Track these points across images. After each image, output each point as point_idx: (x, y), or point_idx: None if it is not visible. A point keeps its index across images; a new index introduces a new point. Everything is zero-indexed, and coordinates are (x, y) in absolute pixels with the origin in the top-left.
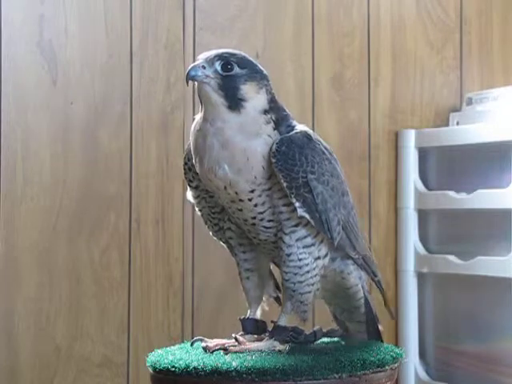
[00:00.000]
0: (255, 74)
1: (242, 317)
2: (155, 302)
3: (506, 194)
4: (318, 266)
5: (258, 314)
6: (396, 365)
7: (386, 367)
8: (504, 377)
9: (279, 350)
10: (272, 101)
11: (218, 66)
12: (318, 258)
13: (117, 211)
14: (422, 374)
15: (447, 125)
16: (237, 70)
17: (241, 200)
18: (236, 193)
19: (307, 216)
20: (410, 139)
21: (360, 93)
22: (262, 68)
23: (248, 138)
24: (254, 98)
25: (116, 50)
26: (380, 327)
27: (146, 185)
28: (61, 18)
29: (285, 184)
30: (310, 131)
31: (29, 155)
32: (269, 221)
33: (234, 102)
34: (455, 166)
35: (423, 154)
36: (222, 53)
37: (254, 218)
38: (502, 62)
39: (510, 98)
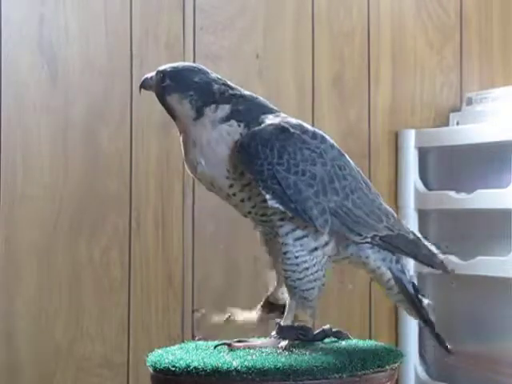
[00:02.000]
0: (181, 86)
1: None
2: (155, 302)
3: (506, 194)
4: (317, 257)
5: (285, 298)
6: (396, 365)
7: (386, 367)
8: (504, 377)
9: (281, 347)
10: (204, 106)
11: (158, 78)
12: (315, 248)
13: (117, 211)
14: (422, 374)
15: (447, 125)
16: (167, 82)
17: (229, 195)
18: (220, 188)
19: (280, 207)
20: (410, 139)
21: (360, 93)
22: (198, 80)
23: (207, 131)
24: (178, 108)
25: (116, 50)
26: (426, 302)
27: (146, 185)
28: (61, 18)
29: (251, 177)
30: (291, 122)
31: (29, 155)
32: (262, 215)
33: (169, 111)
34: (455, 166)
35: (423, 153)
36: (164, 66)
37: (250, 212)
38: (501, 62)
39: (510, 98)
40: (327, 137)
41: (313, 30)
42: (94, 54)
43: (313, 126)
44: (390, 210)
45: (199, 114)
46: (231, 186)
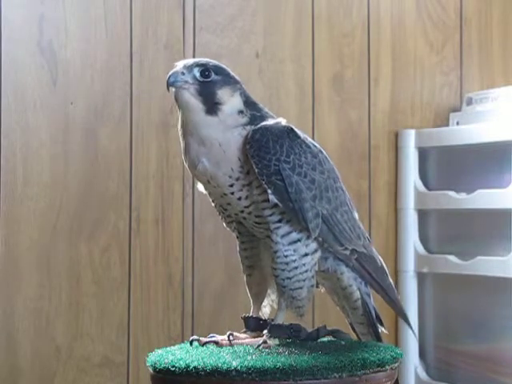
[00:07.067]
0: (229, 79)
1: (244, 315)
2: (155, 302)
3: (506, 194)
4: (306, 262)
5: (266, 312)
6: (396, 365)
7: (386, 367)
8: (504, 377)
9: (270, 345)
10: (247, 102)
11: (196, 72)
12: (306, 254)
13: (117, 211)
14: (422, 374)
15: (447, 125)
16: (213, 76)
17: (225, 194)
18: (218, 186)
19: (279, 204)
20: (410, 139)
21: (360, 93)
22: (234, 75)
23: (223, 133)
24: (230, 101)
25: (116, 50)
26: (382, 330)
27: (146, 185)
28: (61, 18)
29: (256, 170)
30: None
31: (29, 155)
32: (256, 216)
33: (212, 106)
34: (455, 165)
35: (423, 153)
36: (200, 60)
37: (242, 211)
38: (501, 62)
39: (510, 98)
40: (323, 151)
41: (313, 30)
42: (94, 54)
43: (313, 125)
44: (365, 232)
45: (248, 105)
46: (231, 185)
